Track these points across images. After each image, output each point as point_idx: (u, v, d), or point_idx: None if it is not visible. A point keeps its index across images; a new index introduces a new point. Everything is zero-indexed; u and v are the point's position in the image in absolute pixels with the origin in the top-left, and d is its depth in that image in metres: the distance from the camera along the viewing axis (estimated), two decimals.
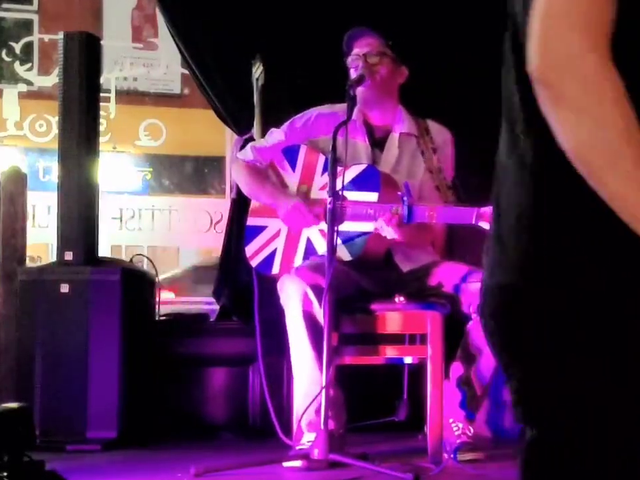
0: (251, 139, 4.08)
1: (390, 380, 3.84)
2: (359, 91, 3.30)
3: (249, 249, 3.44)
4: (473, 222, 2.98)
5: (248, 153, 3.52)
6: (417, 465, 3.00)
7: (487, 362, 3.20)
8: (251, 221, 3.50)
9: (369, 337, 3.33)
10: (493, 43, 1.25)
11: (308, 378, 3.09)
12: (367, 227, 3.25)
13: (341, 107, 3.28)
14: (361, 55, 3.35)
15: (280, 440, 3.19)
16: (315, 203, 3.34)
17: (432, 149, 3.37)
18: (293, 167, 3.45)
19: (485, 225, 2.94)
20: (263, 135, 3.76)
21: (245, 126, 4.26)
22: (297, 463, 2.90)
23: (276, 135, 3.50)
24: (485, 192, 3.68)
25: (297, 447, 3.04)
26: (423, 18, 4.17)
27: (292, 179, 3.45)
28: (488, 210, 2.96)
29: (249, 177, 3.46)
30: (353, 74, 3.34)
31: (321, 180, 3.33)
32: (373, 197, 3.26)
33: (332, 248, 2.95)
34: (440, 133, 3.46)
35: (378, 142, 3.44)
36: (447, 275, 3.28)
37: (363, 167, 3.32)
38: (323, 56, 4.09)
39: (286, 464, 2.93)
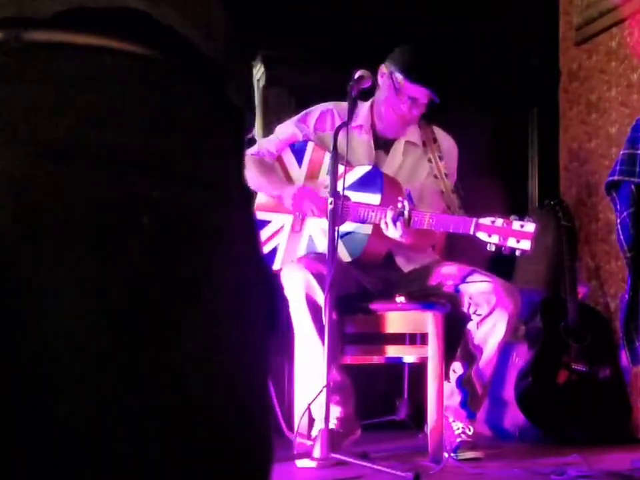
0: (252, 139, 4.09)
1: (390, 379, 3.87)
2: (385, 114, 3.35)
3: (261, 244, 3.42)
4: (471, 232, 3.00)
5: (255, 147, 3.54)
6: (417, 464, 3.01)
7: (487, 361, 3.22)
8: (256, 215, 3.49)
9: (369, 337, 3.35)
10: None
11: (314, 364, 3.06)
12: (367, 228, 3.26)
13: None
14: (414, 98, 3.29)
15: (283, 437, 3.18)
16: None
17: (439, 156, 3.39)
18: (300, 162, 3.47)
19: (483, 236, 2.96)
20: (264, 135, 3.78)
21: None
22: (312, 464, 2.91)
23: (288, 129, 3.50)
24: (484, 203, 3.68)
25: (307, 440, 3.04)
26: (422, 18, 4.20)
27: (298, 175, 3.46)
28: (486, 221, 2.98)
29: (255, 169, 3.45)
30: (390, 95, 3.32)
31: (326, 178, 3.28)
32: (375, 198, 3.26)
33: (333, 248, 2.96)
34: (446, 140, 3.47)
35: (383, 144, 3.45)
36: (447, 274, 3.30)
37: (367, 168, 3.32)
38: (323, 56, 4.12)
39: (299, 463, 2.96)
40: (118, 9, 0.57)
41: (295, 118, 3.51)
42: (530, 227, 2.92)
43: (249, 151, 3.55)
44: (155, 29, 0.60)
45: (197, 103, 0.65)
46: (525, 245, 2.91)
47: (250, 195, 0.76)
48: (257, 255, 0.71)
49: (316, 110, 3.48)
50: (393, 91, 3.31)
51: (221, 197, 0.65)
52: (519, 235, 2.92)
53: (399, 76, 3.29)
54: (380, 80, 3.36)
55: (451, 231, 3.15)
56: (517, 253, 2.94)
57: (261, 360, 0.67)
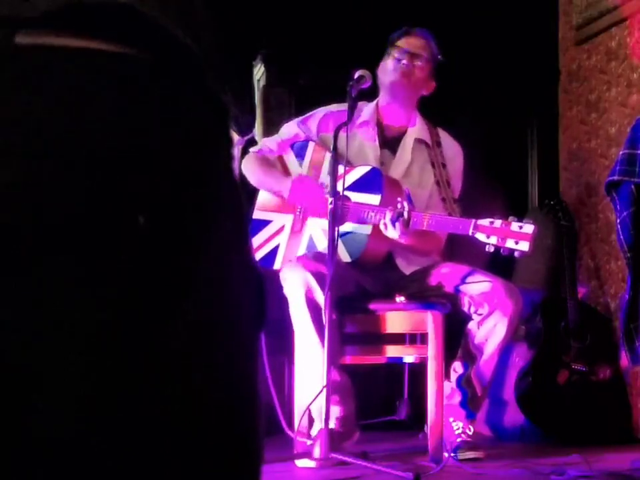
0: (252, 139, 4.09)
1: (391, 379, 3.87)
2: (389, 83, 3.35)
3: (252, 243, 3.43)
4: (469, 233, 2.99)
5: (258, 145, 3.56)
6: (417, 464, 3.01)
7: (487, 362, 3.22)
8: (257, 214, 3.51)
9: (369, 337, 3.35)
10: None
11: (313, 364, 3.06)
12: (367, 229, 3.25)
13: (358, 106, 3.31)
14: (411, 52, 3.36)
15: (284, 437, 3.18)
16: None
17: (442, 163, 3.39)
18: (301, 161, 3.48)
19: (481, 237, 2.96)
20: (264, 135, 3.78)
21: (246, 127, 4.27)
22: (312, 463, 2.91)
23: (291, 129, 3.51)
24: (483, 203, 3.67)
25: (307, 439, 3.04)
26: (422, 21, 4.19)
27: (299, 173, 3.47)
28: (485, 222, 2.97)
29: (256, 166, 3.48)
30: (390, 63, 3.37)
31: (327, 178, 3.27)
32: (375, 199, 3.26)
33: (333, 248, 2.96)
34: (451, 146, 3.46)
35: (389, 142, 3.45)
36: (447, 275, 3.30)
37: (367, 168, 3.32)
38: (324, 56, 4.12)
39: (299, 463, 2.95)
40: (106, 4, 0.58)
41: (299, 119, 3.52)
42: (528, 228, 2.91)
43: (252, 149, 3.57)
44: (141, 25, 0.61)
45: (185, 101, 0.65)
46: (524, 246, 2.90)
47: (238, 189, 0.77)
48: (246, 249, 0.73)
49: (319, 112, 3.49)
50: (385, 61, 3.40)
51: (213, 193, 0.66)
52: (518, 236, 2.91)
53: (397, 37, 3.41)
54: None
55: (449, 231, 3.15)
56: (516, 254, 2.93)
57: (250, 348, 0.68)
